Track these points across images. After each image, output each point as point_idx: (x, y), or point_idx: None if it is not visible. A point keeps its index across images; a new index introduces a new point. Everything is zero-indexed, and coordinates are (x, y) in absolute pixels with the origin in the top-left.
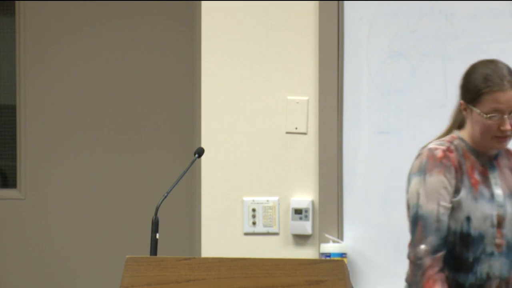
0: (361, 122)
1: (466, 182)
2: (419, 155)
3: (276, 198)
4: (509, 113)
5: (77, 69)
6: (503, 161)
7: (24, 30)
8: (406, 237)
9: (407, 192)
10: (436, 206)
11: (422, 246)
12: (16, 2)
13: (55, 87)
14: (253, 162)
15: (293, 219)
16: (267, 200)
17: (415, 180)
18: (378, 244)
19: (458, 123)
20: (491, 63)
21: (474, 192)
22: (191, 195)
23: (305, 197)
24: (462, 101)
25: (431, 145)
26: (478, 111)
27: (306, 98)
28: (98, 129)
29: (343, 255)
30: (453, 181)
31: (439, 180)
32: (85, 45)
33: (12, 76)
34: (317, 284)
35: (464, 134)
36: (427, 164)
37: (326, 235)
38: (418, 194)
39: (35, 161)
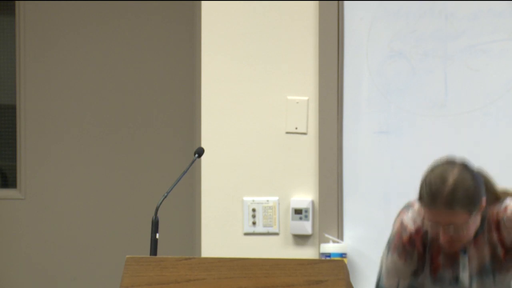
0: (361, 122)
1: (427, 266)
2: (399, 213)
3: (276, 198)
4: (447, 225)
5: (77, 69)
6: (484, 237)
7: (24, 30)
8: None
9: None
10: (395, 283)
11: None
12: (16, 2)
13: (55, 87)
14: (253, 162)
15: (293, 219)
16: (267, 200)
17: (386, 245)
18: (378, 244)
19: None
20: (439, 175)
21: (433, 276)
22: (191, 195)
23: (305, 197)
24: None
25: (406, 217)
26: (422, 213)
27: (306, 98)
28: (98, 129)
29: (343, 255)
30: (413, 265)
31: (398, 263)
32: (85, 45)
33: (12, 76)
34: (317, 284)
35: None
36: (393, 239)
37: (326, 235)
38: (381, 264)
39: (35, 161)
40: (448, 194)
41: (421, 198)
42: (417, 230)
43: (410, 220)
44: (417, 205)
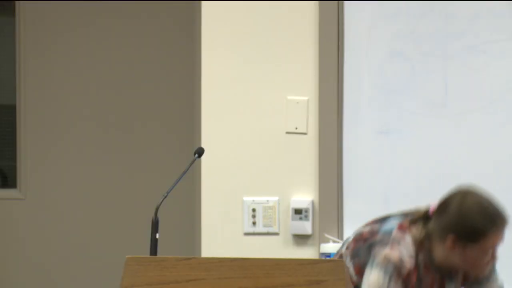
0: (361, 122)
1: None
2: (387, 246)
3: (276, 198)
4: (498, 244)
5: (77, 69)
6: None
7: (24, 30)
8: None
9: (368, 278)
10: None
11: None
12: (16, 2)
13: (55, 87)
14: (253, 162)
15: (293, 219)
16: (267, 200)
17: (377, 274)
18: None
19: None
20: (478, 202)
21: None
22: (191, 195)
23: (305, 197)
24: (453, 236)
25: (400, 254)
26: (477, 250)
27: (306, 98)
28: (98, 129)
29: None
30: None
31: None
32: (85, 45)
33: (12, 76)
34: (317, 284)
35: (430, 247)
36: (392, 276)
37: (326, 235)
38: None
39: (35, 161)
40: (502, 210)
41: (475, 232)
42: (415, 267)
43: (407, 257)
44: (409, 240)
